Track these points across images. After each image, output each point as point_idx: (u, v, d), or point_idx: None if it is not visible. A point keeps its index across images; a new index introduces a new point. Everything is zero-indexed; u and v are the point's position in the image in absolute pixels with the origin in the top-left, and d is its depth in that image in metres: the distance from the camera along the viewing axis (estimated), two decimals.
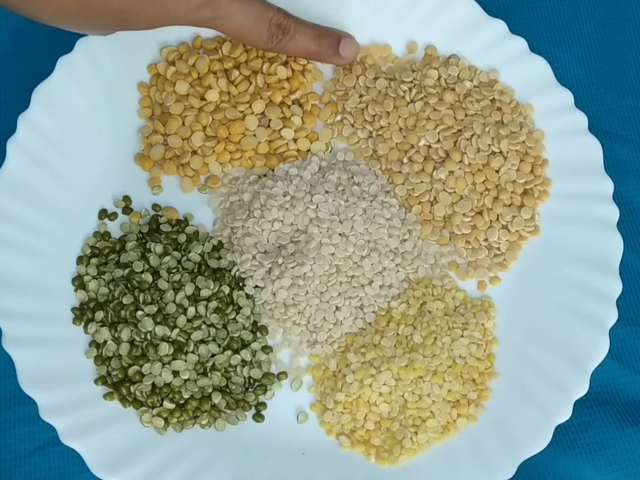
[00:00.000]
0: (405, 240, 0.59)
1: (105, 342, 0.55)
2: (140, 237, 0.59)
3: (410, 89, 0.61)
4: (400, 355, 0.56)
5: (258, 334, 0.57)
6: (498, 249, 0.59)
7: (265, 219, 0.58)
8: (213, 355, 0.56)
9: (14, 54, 0.66)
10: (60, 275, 0.57)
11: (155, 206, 0.60)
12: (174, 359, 0.55)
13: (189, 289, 0.56)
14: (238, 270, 0.58)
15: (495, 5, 0.65)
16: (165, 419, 0.54)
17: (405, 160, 0.60)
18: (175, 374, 0.55)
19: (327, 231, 0.57)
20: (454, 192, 0.59)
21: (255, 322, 0.58)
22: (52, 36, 0.65)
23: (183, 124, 0.61)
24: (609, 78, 0.67)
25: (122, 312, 0.55)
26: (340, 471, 0.55)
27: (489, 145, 0.60)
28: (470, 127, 0.60)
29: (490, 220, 0.59)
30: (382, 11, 0.63)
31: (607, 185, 0.59)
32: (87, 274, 0.57)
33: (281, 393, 0.57)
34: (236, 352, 0.56)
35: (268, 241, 0.58)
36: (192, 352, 0.55)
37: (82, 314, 0.56)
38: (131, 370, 0.55)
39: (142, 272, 0.56)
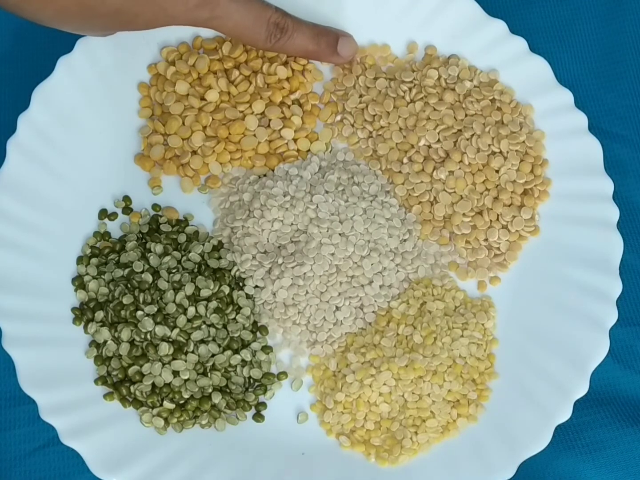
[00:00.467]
0: (405, 240, 0.59)
1: (105, 342, 0.55)
2: (140, 237, 0.59)
3: (410, 89, 0.61)
4: (400, 355, 0.56)
5: (258, 334, 0.57)
6: (498, 249, 0.59)
7: (265, 219, 0.58)
8: (213, 355, 0.56)
9: (14, 54, 0.66)
10: (60, 275, 0.57)
11: (155, 206, 0.60)
12: (174, 359, 0.55)
13: (189, 289, 0.56)
14: (238, 270, 0.58)
15: (495, 5, 0.65)
16: (165, 419, 0.54)
17: (405, 160, 0.60)
18: (175, 374, 0.55)
19: (327, 231, 0.57)
20: (454, 192, 0.59)
21: (255, 322, 0.58)
22: (52, 36, 0.65)
23: (183, 124, 0.61)
24: (609, 78, 0.67)
25: (122, 312, 0.55)
26: (340, 471, 0.55)
27: (489, 145, 0.60)
28: (470, 127, 0.60)
29: (490, 220, 0.59)
30: (382, 11, 0.63)
31: (607, 185, 0.59)
32: (87, 274, 0.57)
33: (281, 393, 0.57)
34: (236, 352, 0.56)
35: (268, 241, 0.58)
36: (192, 352, 0.55)
37: (82, 314, 0.56)
38: (131, 370, 0.55)
39: (142, 272, 0.56)
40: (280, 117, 0.61)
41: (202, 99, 0.61)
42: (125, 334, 0.55)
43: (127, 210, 0.60)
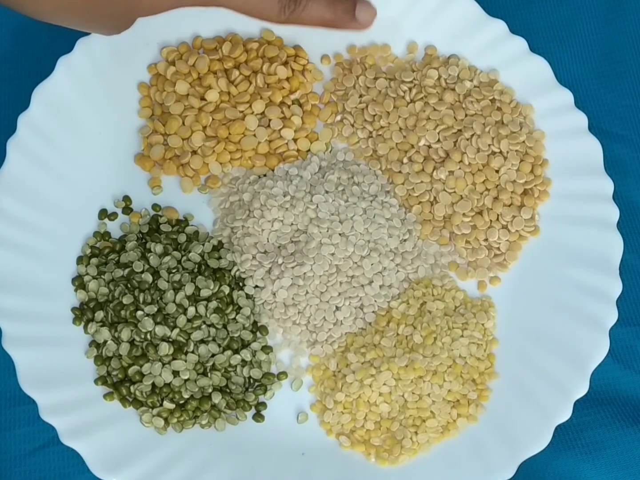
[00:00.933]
0: (405, 240, 0.59)
1: (105, 342, 0.55)
2: (140, 237, 0.59)
3: (410, 89, 0.61)
4: (400, 355, 0.56)
5: (258, 334, 0.57)
6: (498, 249, 0.59)
7: (265, 219, 0.58)
8: (213, 355, 0.56)
9: (14, 54, 0.66)
10: (60, 275, 0.57)
11: (155, 206, 0.60)
12: (174, 359, 0.55)
13: (189, 289, 0.56)
14: (238, 270, 0.58)
15: (495, 5, 0.65)
16: (165, 419, 0.54)
17: (405, 160, 0.60)
18: (175, 374, 0.55)
19: (327, 231, 0.57)
20: (454, 192, 0.59)
21: (255, 322, 0.58)
22: (52, 36, 0.65)
23: (183, 124, 0.61)
24: (609, 78, 0.67)
25: (122, 312, 0.55)
26: (340, 471, 0.55)
27: (489, 145, 0.60)
28: (470, 127, 0.60)
29: (490, 220, 0.59)
30: (382, 11, 0.63)
31: (607, 185, 0.59)
32: (87, 274, 0.57)
33: (281, 393, 0.57)
34: (236, 352, 0.56)
35: (268, 241, 0.58)
36: (192, 352, 0.55)
37: (82, 314, 0.56)
38: (131, 370, 0.55)
39: (142, 272, 0.56)
40: (280, 117, 0.61)
41: (202, 99, 0.61)
42: (125, 334, 0.55)
43: (127, 210, 0.60)
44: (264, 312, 0.58)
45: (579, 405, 0.54)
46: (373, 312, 0.58)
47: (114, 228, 0.59)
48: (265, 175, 0.61)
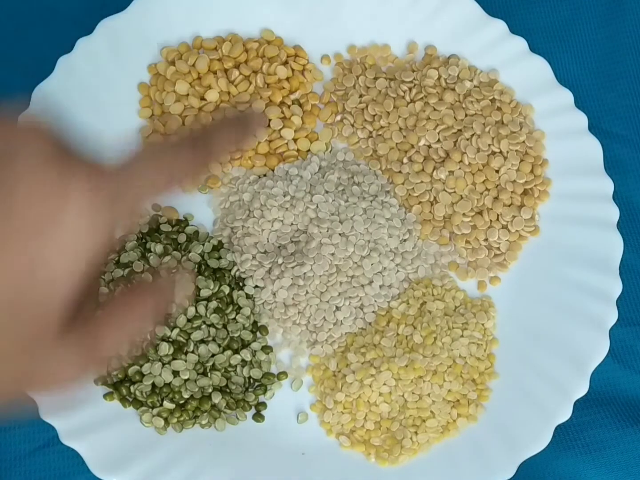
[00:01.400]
0: (405, 240, 0.59)
1: None
2: (140, 237, 0.59)
3: (410, 89, 0.61)
4: (400, 355, 0.56)
5: (258, 334, 0.57)
6: (498, 249, 0.59)
7: (265, 219, 0.58)
8: (213, 355, 0.56)
9: (14, 54, 0.66)
10: None
11: (155, 206, 0.60)
12: (174, 359, 0.55)
13: None
14: (238, 270, 0.58)
15: (495, 5, 0.65)
16: (165, 419, 0.54)
17: (405, 160, 0.60)
18: (175, 374, 0.55)
19: (327, 231, 0.57)
20: (454, 192, 0.59)
21: (255, 322, 0.58)
22: (52, 36, 0.65)
23: (183, 123, 0.61)
24: (609, 78, 0.67)
25: None
26: (340, 471, 0.55)
27: (489, 145, 0.60)
28: (470, 127, 0.60)
29: (490, 220, 0.59)
30: (382, 11, 0.63)
31: (607, 185, 0.59)
32: None
33: (281, 393, 0.57)
34: (236, 352, 0.56)
35: (268, 241, 0.58)
36: (192, 352, 0.55)
37: None
38: (131, 370, 0.55)
39: (142, 272, 0.56)
40: (280, 117, 0.61)
41: (202, 98, 0.61)
42: None
43: None
44: (264, 312, 0.58)
45: (579, 405, 0.54)
46: (373, 312, 0.58)
47: None
48: (265, 175, 0.61)
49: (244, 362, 0.56)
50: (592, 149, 0.60)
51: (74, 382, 0.37)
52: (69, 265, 0.35)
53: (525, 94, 0.62)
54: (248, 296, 0.58)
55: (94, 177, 0.37)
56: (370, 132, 0.62)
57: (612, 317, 0.56)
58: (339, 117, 0.62)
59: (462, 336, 0.57)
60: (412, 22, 0.63)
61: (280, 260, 0.57)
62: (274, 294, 0.57)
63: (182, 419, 0.55)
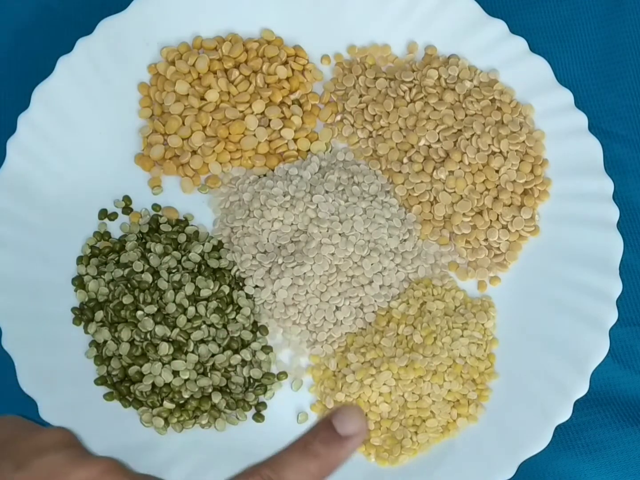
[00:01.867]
0: (405, 240, 0.59)
1: (105, 342, 0.55)
2: (140, 237, 0.59)
3: (410, 89, 0.61)
4: (400, 355, 0.56)
5: (258, 334, 0.57)
6: (498, 249, 0.59)
7: (265, 219, 0.58)
8: (213, 355, 0.56)
9: (14, 54, 0.66)
10: (60, 275, 0.57)
11: (155, 206, 0.60)
12: (174, 358, 0.55)
13: (189, 289, 0.56)
14: (238, 270, 0.58)
15: (495, 5, 0.65)
16: (165, 419, 0.54)
17: (405, 160, 0.60)
18: (175, 374, 0.55)
19: (327, 231, 0.57)
20: (454, 192, 0.59)
21: (255, 322, 0.58)
22: (52, 36, 0.65)
23: (183, 123, 0.61)
24: (609, 78, 0.67)
25: (122, 312, 0.55)
26: (340, 471, 0.55)
27: (489, 145, 0.60)
28: (470, 127, 0.60)
29: (490, 220, 0.59)
30: (382, 11, 0.63)
31: (607, 185, 0.59)
32: (87, 274, 0.57)
33: (281, 393, 0.57)
34: (236, 352, 0.56)
35: (268, 241, 0.58)
36: (192, 352, 0.55)
37: (82, 314, 0.56)
38: (131, 370, 0.55)
39: (142, 272, 0.56)
40: (280, 117, 0.61)
41: (202, 98, 0.61)
42: (125, 334, 0.55)
43: (127, 210, 0.60)
44: (264, 312, 0.58)
45: (579, 405, 0.54)
46: (373, 312, 0.58)
47: (114, 228, 0.59)
48: (265, 175, 0.61)
49: (244, 362, 0.56)
50: (592, 149, 0.60)
51: None
52: None
53: (525, 94, 0.62)
54: (248, 296, 0.58)
55: None
56: (370, 132, 0.62)
57: (612, 317, 0.56)
58: (339, 117, 0.62)
59: (462, 336, 0.57)
60: (412, 22, 0.63)
61: (280, 260, 0.57)
62: (274, 294, 0.57)
63: (182, 419, 0.55)
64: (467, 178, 0.59)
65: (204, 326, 0.56)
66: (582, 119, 0.60)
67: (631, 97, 0.67)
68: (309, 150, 0.61)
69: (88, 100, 0.60)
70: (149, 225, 0.59)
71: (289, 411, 0.56)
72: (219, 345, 0.56)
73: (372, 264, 0.57)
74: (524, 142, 0.60)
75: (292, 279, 0.57)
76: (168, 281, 0.56)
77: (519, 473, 0.53)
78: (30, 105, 0.58)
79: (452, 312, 0.58)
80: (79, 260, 0.58)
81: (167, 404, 0.54)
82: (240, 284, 0.58)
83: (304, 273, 0.57)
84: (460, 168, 0.59)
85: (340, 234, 0.58)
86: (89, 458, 0.39)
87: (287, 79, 0.62)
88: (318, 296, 0.57)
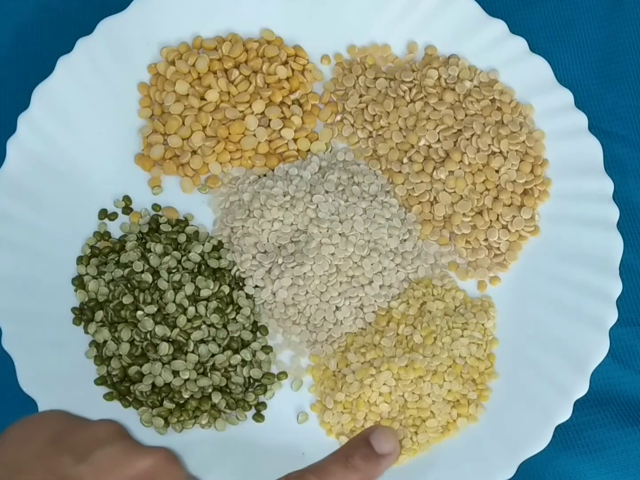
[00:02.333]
0: (405, 240, 0.59)
1: (105, 342, 0.55)
2: (140, 237, 0.59)
3: (410, 89, 0.61)
4: (400, 355, 0.56)
5: (258, 334, 0.57)
6: (498, 249, 0.59)
7: (265, 219, 0.58)
8: (213, 355, 0.56)
9: (14, 54, 0.66)
10: (60, 275, 0.57)
11: (155, 206, 0.60)
12: (174, 358, 0.55)
13: (189, 288, 0.56)
14: (238, 270, 0.58)
15: (495, 5, 0.65)
16: (165, 419, 0.54)
17: (405, 160, 0.60)
18: (175, 373, 0.55)
19: (327, 231, 0.57)
20: (454, 192, 0.59)
21: (255, 322, 0.58)
22: (52, 36, 0.65)
23: (183, 123, 0.61)
24: (609, 78, 0.67)
25: (122, 312, 0.55)
26: None
27: (489, 145, 0.60)
28: (470, 127, 0.60)
29: (490, 220, 0.59)
30: (382, 11, 0.63)
31: (607, 185, 0.59)
32: (87, 274, 0.57)
33: (281, 393, 0.57)
34: (236, 352, 0.56)
35: (268, 241, 0.58)
36: (192, 352, 0.55)
37: (82, 314, 0.56)
38: (131, 370, 0.55)
39: (142, 272, 0.56)
40: (280, 117, 0.61)
41: (202, 98, 0.61)
42: (125, 334, 0.55)
43: (127, 210, 0.60)
44: (264, 312, 0.58)
45: (579, 405, 0.54)
46: (373, 312, 0.58)
47: (114, 228, 0.59)
48: (265, 175, 0.61)
49: (244, 362, 0.56)
50: (592, 149, 0.60)
51: None
52: None
53: (525, 94, 0.62)
54: (248, 296, 0.58)
55: None
56: (370, 132, 0.62)
57: (612, 317, 0.56)
58: (339, 117, 0.62)
59: (462, 336, 0.57)
60: (412, 22, 0.63)
61: (280, 260, 0.57)
62: (274, 294, 0.57)
63: (182, 419, 0.55)
64: (467, 178, 0.59)
65: (204, 326, 0.56)
66: (582, 119, 0.60)
67: (631, 97, 0.67)
68: (309, 150, 0.61)
69: (88, 100, 0.60)
70: (149, 225, 0.59)
71: (289, 411, 0.56)
72: (219, 345, 0.56)
73: (372, 264, 0.57)
74: (524, 142, 0.60)
75: (292, 279, 0.57)
76: (168, 281, 0.56)
77: (519, 473, 0.53)
78: (30, 105, 0.58)
79: (452, 312, 0.58)
80: (79, 260, 0.58)
81: (167, 404, 0.54)
82: (240, 284, 0.58)
83: (304, 273, 0.57)
84: (460, 168, 0.59)
85: (340, 234, 0.58)
86: (145, 448, 0.41)
87: (287, 79, 0.62)
88: (318, 296, 0.57)
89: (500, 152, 0.60)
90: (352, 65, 0.63)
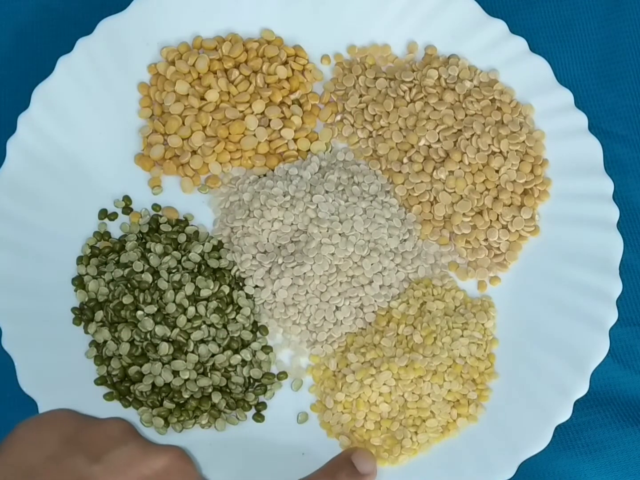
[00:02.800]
0: (405, 240, 0.59)
1: (105, 342, 0.55)
2: (140, 237, 0.59)
3: (410, 89, 0.61)
4: (400, 355, 0.56)
5: (258, 334, 0.57)
6: (498, 248, 0.59)
7: (265, 219, 0.58)
8: (213, 355, 0.56)
9: (14, 54, 0.66)
10: (60, 275, 0.57)
11: (155, 206, 0.60)
12: (174, 358, 0.55)
13: (189, 289, 0.56)
14: (238, 270, 0.58)
15: (495, 5, 0.65)
16: (165, 419, 0.54)
17: (405, 160, 0.60)
18: (175, 373, 0.55)
19: (327, 231, 0.57)
20: (454, 192, 0.59)
21: (255, 322, 0.58)
22: (52, 36, 0.65)
23: (183, 123, 0.61)
24: (609, 78, 0.67)
25: (122, 312, 0.55)
26: None
27: (489, 145, 0.60)
28: (470, 127, 0.60)
29: (490, 220, 0.59)
30: (382, 11, 0.63)
31: (607, 185, 0.59)
32: (87, 274, 0.57)
33: (281, 393, 0.57)
34: (236, 352, 0.56)
35: (268, 241, 0.58)
36: (192, 352, 0.55)
37: (82, 314, 0.56)
38: (131, 370, 0.55)
39: (142, 272, 0.56)
40: (280, 117, 0.61)
41: (202, 98, 0.61)
42: (125, 334, 0.55)
43: (127, 210, 0.60)
44: (264, 312, 0.58)
45: (579, 405, 0.54)
46: (373, 312, 0.58)
47: (114, 228, 0.59)
48: (265, 175, 0.61)
49: (244, 362, 0.56)
50: (592, 149, 0.60)
51: None
52: None
53: (525, 94, 0.62)
54: (248, 296, 0.58)
55: None
56: (370, 132, 0.62)
57: (612, 317, 0.56)
58: (339, 117, 0.62)
59: (462, 336, 0.57)
60: (412, 22, 0.63)
61: (280, 260, 0.57)
62: (274, 294, 0.57)
63: (182, 419, 0.55)
64: (467, 178, 0.59)
65: (204, 326, 0.56)
66: (582, 119, 0.60)
67: (631, 97, 0.67)
68: (309, 150, 0.61)
69: (88, 100, 0.60)
70: (149, 225, 0.59)
71: (289, 411, 0.56)
72: (219, 345, 0.56)
73: (372, 264, 0.57)
74: (524, 142, 0.60)
75: (292, 279, 0.57)
76: (168, 281, 0.56)
77: (519, 473, 0.53)
78: (30, 105, 0.58)
79: (452, 312, 0.58)
80: (79, 260, 0.58)
81: (167, 404, 0.54)
82: (240, 284, 0.58)
83: (304, 273, 0.57)
84: (460, 168, 0.59)
85: (340, 234, 0.58)
86: (158, 447, 0.41)
87: (287, 79, 0.62)
88: (318, 296, 0.57)
89: (500, 152, 0.60)
90: (352, 65, 0.63)
